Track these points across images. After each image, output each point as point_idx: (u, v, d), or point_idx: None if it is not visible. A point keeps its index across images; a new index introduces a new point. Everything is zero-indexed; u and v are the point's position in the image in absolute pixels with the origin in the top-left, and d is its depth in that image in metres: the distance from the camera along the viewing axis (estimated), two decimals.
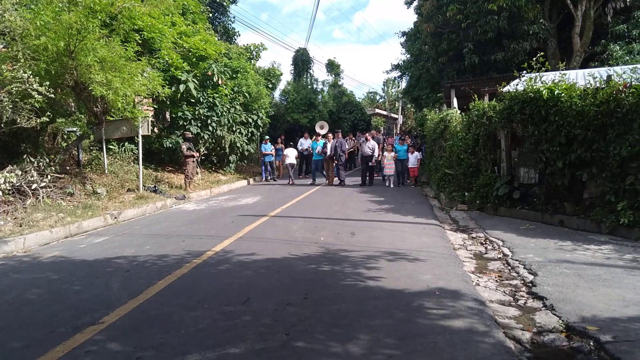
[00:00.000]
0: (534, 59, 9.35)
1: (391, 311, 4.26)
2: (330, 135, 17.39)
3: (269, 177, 18.62)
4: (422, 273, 5.45)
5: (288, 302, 4.52)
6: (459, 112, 15.24)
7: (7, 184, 9.05)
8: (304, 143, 19.51)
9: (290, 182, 17.21)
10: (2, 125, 9.24)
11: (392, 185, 15.51)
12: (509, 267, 5.88)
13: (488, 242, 7.32)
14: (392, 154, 15.93)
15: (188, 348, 3.59)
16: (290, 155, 17.92)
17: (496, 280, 5.40)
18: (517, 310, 4.42)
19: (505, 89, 10.12)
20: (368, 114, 38.33)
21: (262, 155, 18.89)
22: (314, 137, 19.23)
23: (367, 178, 16.30)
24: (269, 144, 18.28)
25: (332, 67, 38.13)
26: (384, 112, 49.84)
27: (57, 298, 4.92)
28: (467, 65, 20.00)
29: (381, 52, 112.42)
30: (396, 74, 33.68)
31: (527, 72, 9.63)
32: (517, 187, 9.50)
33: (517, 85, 9.97)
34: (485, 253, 6.76)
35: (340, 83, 38.04)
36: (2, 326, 4.16)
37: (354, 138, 23.16)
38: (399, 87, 50.10)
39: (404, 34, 29.74)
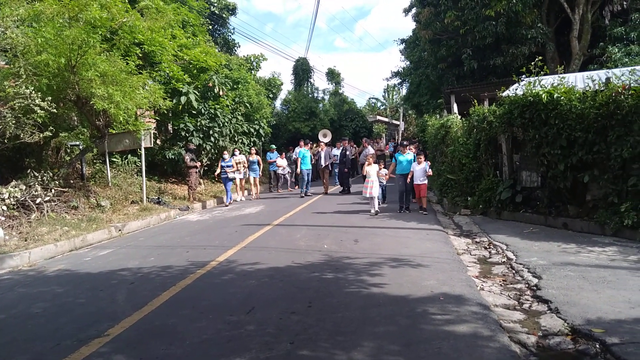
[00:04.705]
0: (533, 63, 9.39)
1: (395, 318, 4.26)
2: (322, 144, 17.40)
3: (273, 187, 18.53)
4: (426, 279, 5.45)
5: (292, 311, 4.52)
6: (459, 117, 15.27)
7: (11, 199, 9.10)
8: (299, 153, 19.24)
9: (290, 190, 17.26)
10: (6, 140, 9.31)
11: (375, 212, 10.80)
12: (513, 271, 5.87)
13: (492, 247, 7.31)
14: (375, 167, 11.50)
15: (193, 359, 3.60)
16: (283, 164, 17.84)
17: (500, 285, 5.39)
18: (521, 314, 4.41)
19: (504, 94, 10.16)
20: (369, 121, 38.44)
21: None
22: (310, 145, 18.26)
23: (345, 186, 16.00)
24: (275, 152, 18.17)
25: (333, 75, 38.28)
26: (386, 119, 49.98)
27: (63, 311, 4.94)
28: (466, 71, 20.08)
29: (382, 60, 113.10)
30: (396, 81, 33.89)
31: (526, 77, 9.66)
32: (520, 191, 9.50)
33: (516, 89, 10.00)
34: (489, 257, 6.75)
35: (341, 91, 38.19)
36: (8, 340, 4.17)
37: (355, 145, 23.15)
38: (399, 94, 50.25)
39: (403, 41, 29.92)
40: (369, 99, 61.77)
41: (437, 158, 16.40)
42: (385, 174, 11.91)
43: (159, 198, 13.33)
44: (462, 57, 19.82)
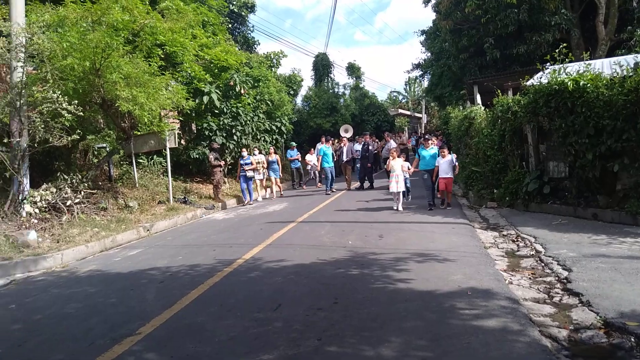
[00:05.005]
0: (557, 50, 9.18)
1: (422, 313, 4.24)
2: (344, 139, 17.29)
3: (298, 184, 18.56)
4: (453, 273, 5.40)
5: (318, 307, 4.55)
6: (483, 108, 15.04)
7: (43, 202, 9.36)
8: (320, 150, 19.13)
9: (318, 186, 17.23)
10: (36, 144, 9.56)
11: (399, 208, 10.57)
12: (543, 264, 5.77)
13: (520, 239, 7.19)
14: (399, 161, 11.06)
15: (222, 356, 3.66)
16: (312, 160, 17.79)
17: (529, 278, 5.31)
18: (552, 308, 4.33)
19: (528, 83, 9.96)
20: (391, 115, 38.13)
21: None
22: (332, 141, 18.11)
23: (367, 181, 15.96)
24: (295, 150, 18.21)
25: (353, 70, 38.09)
26: (408, 112, 49.46)
27: (95, 311, 5.07)
28: (489, 61, 19.72)
29: (402, 52, 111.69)
30: (418, 73, 33.47)
31: (551, 64, 9.45)
32: (547, 182, 9.31)
33: (540, 78, 9.79)
34: (517, 250, 6.65)
35: (361, 85, 37.99)
36: (44, 340, 4.30)
37: (377, 140, 23.04)
38: (421, 86, 49.71)
39: (423, 32, 29.54)
40: (390, 92, 61.34)
41: (461, 150, 16.20)
42: (409, 168, 11.43)
43: (185, 197, 13.53)
44: (484, 46, 19.47)
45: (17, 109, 9.26)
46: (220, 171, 14.51)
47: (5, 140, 9.40)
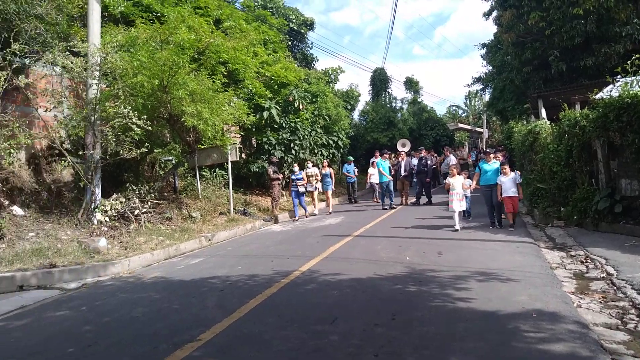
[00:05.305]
0: (629, 62, 8.68)
1: (484, 334, 4.10)
2: (402, 153, 17.02)
3: (352, 198, 18.50)
4: (517, 294, 5.20)
5: (375, 323, 4.51)
6: (548, 122, 14.46)
7: (113, 211, 9.90)
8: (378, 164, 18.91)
9: (375, 201, 17.10)
10: (108, 157, 10.17)
11: (458, 227, 9.97)
12: (615, 287, 5.44)
13: (589, 261, 6.81)
14: (460, 178, 10.53)
15: None
16: (375, 174, 17.62)
17: (600, 302, 5.01)
18: (626, 335, 4.07)
19: (598, 96, 9.51)
20: (451, 129, 37.44)
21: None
22: (388, 155, 17.50)
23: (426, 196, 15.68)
24: (352, 165, 18.17)
25: (411, 84, 37.83)
26: (468, 127, 48.44)
27: (159, 316, 5.28)
28: (554, 74, 18.95)
29: (462, 66, 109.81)
30: (478, 86, 32.73)
31: (622, 77, 8.96)
32: (619, 200, 8.78)
33: (611, 91, 9.31)
34: (587, 272, 6.30)
35: (419, 100, 37.61)
36: (113, 343, 4.52)
37: (435, 155, 22.65)
38: (482, 100, 48.54)
39: (484, 45, 28.90)
40: (449, 106, 60.25)
41: (526, 166, 15.61)
42: (470, 185, 10.89)
43: (244, 209, 13.87)
44: (549, 59, 18.74)
45: (92, 124, 9.91)
46: (279, 184, 14.76)
47: (80, 153, 10.04)
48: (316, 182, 15.02)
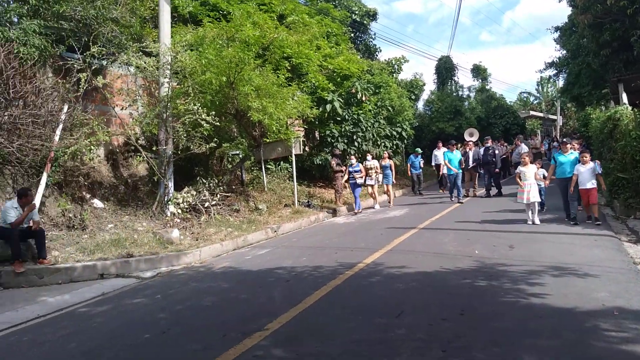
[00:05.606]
0: None
1: (559, 331, 3.91)
2: (470, 143, 16.34)
3: (417, 190, 18.17)
4: (596, 290, 4.91)
5: (443, 318, 4.42)
6: (629, 108, 13.43)
7: (185, 203, 10.37)
8: (438, 154, 18.38)
9: (442, 192, 16.67)
10: (179, 152, 10.65)
11: (535, 221, 9.44)
12: None
13: None
14: (533, 168, 9.84)
15: (345, 358, 3.72)
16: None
17: None
18: None
19: None
20: (522, 117, 35.75)
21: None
22: (454, 146, 16.78)
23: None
24: (419, 157, 17.77)
25: (479, 71, 36.53)
26: (540, 114, 45.99)
27: (228, 305, 5.48)
28: (636, 56, 17.49)
29: (533, 51, 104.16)
30: (551, 72, 30.92)
31: None
32: None
33: None
34: None
35: (488, 87, 36.23)
36: (185, 330, 4.74)
37: (505, 144, 21.76)
38: (555, 86, 45.93)
39: (557, 29, 27.23)
40: (520, 93, 57.49)
41: (604, 155, 14.60)
42: (544, 177, 10.13)
43: (308, 201, 14.05)
44: (631, 40, 17.29)
45: (164, 120, 10.40)
46: (342, 176, 14.77)
47: (154, 148, 10.57)
48: (376, 175, 14.52)
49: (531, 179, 9.63)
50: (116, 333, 4.76)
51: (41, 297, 6.31)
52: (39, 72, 9.38)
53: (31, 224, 7.43)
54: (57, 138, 9.11)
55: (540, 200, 9.92)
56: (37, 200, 8.24)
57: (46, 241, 7.64)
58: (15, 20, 9.47)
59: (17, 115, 8.51)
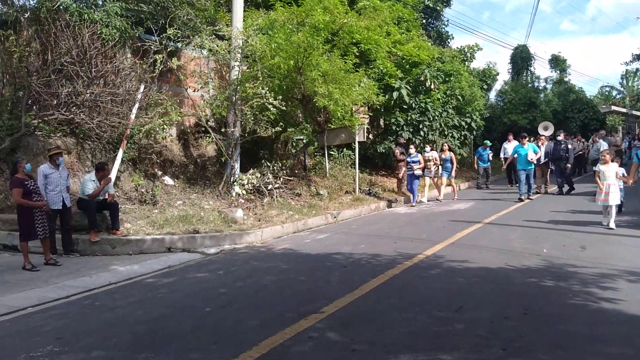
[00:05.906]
0: None
1: (633, 339, 3.68)
2: (543, 137, 15.46)
3: (481, 184, 17.52)
4: None
5: (505, 316, 4.27)
6: None
7: (249, 185, 10.64)
8: (508, 148, 17.09)
9: (510, 186, 16.01)
10: (246, 134, 10.90)
11: (611, 225, 8.62)
12: None
13: None
14: (614, 166, 9.04)
15: (400, 348, 3.68)
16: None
17: None
18: None
19: None
20: (602, 112, 33.46)
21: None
22: (525, 139, 15.68)
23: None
24: (487, 149, 17.06)
25: (557, 62, 34.48)
26: (623, 110, 42.79)
27: (286, 286, 5.58)
28: None
29: (619, 42, 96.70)
30: (638, 64, 28.68)
31: None
32: None
33: None
34: None
35: (566, 79, 34.14)
36: (244, 306, 4.89)
37: (582, 140, 20.50)
38: None
39: None
40: (602, 87, 53.77)
41: None
42: (624, 176, 9.20)
43: (369, 189, 13.95)
44: None
45: (233, 103, 10.67)
46: (405, 166, 14.51)
47: (222, 130, 10.89)
48: (435, 167, 13.98)
49: (611, 178, 8.85)
50: (179, 304, 4.99)
51: (113, 265, 6.73)
52: (119, 52, 9.91)
53: (107, 197, 7.92)
54: (133, 116, 9.60)
55: (619, 202, 9.13)
56: (112, 175, 8.77)
57: (119, 213, 8.12)
58: (100, 2, 10.01)
59: (97, 94, 9.04)
